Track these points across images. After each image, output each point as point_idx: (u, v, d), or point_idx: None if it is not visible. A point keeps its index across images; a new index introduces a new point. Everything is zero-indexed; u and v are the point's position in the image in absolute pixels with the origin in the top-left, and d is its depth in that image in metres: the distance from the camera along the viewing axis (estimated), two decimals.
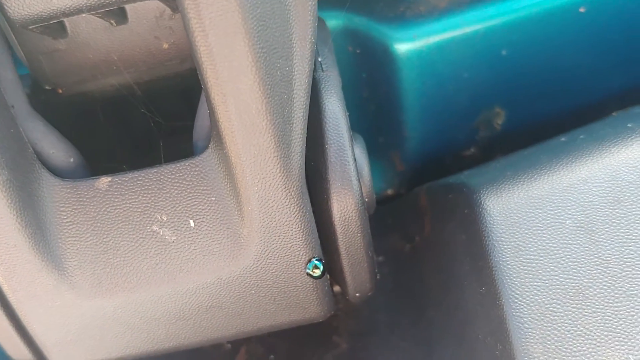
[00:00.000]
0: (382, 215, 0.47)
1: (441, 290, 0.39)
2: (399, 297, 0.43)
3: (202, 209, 0.32)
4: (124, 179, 0.32)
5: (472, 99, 0.43)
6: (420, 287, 0.42)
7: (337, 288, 0.39)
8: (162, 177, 0.32)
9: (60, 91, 0.36)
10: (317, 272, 0.34)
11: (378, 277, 0.43)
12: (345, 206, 0.33)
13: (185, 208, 0.32)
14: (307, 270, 0.34)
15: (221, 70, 0.28)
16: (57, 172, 0.33)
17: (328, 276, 0.36)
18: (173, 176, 0.32)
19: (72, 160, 0.33)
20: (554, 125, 0.44)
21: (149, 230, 0.32)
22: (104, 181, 0.32)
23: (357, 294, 0.37)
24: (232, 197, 0.32)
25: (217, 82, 0.28)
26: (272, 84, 0.29)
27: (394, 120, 0.44)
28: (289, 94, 0.30)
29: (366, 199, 0.36)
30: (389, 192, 0.48)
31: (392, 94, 0.42)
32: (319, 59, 0.35)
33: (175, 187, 0.32)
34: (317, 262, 0.34)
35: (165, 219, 0.32)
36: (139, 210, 0.32)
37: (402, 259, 0.44)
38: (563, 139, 0.38)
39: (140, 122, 0.37)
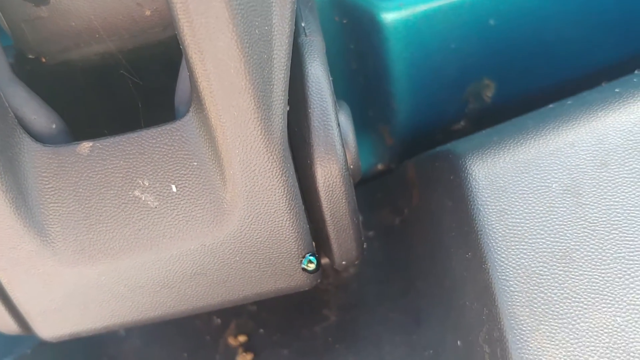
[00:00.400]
0: (372, 190, 0.47)
1: (429, 259, 0.39)
2: (388, 269, 0.43)
3: (184, 174, 0.32)
4: (105, 143, 0.32)
5: (461, 70, 0.42)
6: (409, 258, 0.41)
7: (326, 260, 0.39)
8: (143, 141, 0.32)
9: (43, 60, 0.35)
10: (312, 267, 0.34)
11: (365, 246, 0.43)
12: (329, 171, 0.33)
13: (167, 173, 0.32)
14: (302, 266, 0.34)
15: (198, 28, 0.27)
16: (39, 138, 0.32)
17: (314, 243, 0.35)
18: (154, 140, 0.32)
19: (54, 126, 0.33)
20: (545, 98, 0.43)
21: (131, 195, 0.32)
22: (86, 146, 0.32)
23: (343, 262, 0.36)
24: (214, 162, 0.32)
25: (194, 39, 0.28)
26: (250, 43, 0.28)
27: (382, 93, 0.43)
28: (268, 54, 0.29)
29: (351, 166, 0.35)
30: (379, 167, 0.48)
31: (380, 64, 0.42)
32: (302, 24, 0.34)
33: (156, 152, 0.32)
34: (311, 258, 0.34)
35: (147, 184, 0.32)
36: (121, 175, 0.32)
37: (392, 232, 0.44)
38: (551, 106, 0.38)
39: (124, 91, 0.37)
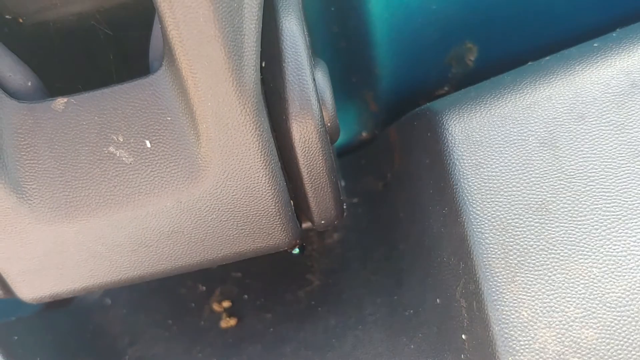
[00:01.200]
0: (356, 158, 0.47)
1: (410, 221, 0.38)
2: (372, 234, 0.43)
3: (158, 129, 0.32)
4: (79, 99, 0.32)
5: (442, 32, 0.42)
6: (392, 222, 0.41)
7: (308, 224, 0.39)
8: (116, 96, 0.32)
9: (21, 20, 0.35)
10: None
11: (348, 210, 0.43)
12: (305, 127, 0.33)
13: (141, 128, 0.32)
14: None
15: None
16: (15, 95, 0.32)
17: (292, 202, 0.35)
18: (127, 95, 0.32)
19: (29, 83, 0.33)
20: (530, 61, 0.43)
21: (106, 151, 0.32)
22: (60, 102, 0.32)
23: (322, 221, 0.36)
24: (187, 116, 0.31)
25: None
26: None
27: (365, 57, 0.43)
28: (238, 2, 0.29)
29: (329, 124, 0.35)
30: (364, 135, 0.48)
31: (361, 27, 0.41)
32: None
33: (129, 107, 0.32)
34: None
35: (121, 139, 0.32)
36: (95, 131, 0.32)
37: (375, 197, 0.44)
38: (529, 63, 0.37)
39: (100, 50, 0.37)
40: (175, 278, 0.46)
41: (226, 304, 0.43)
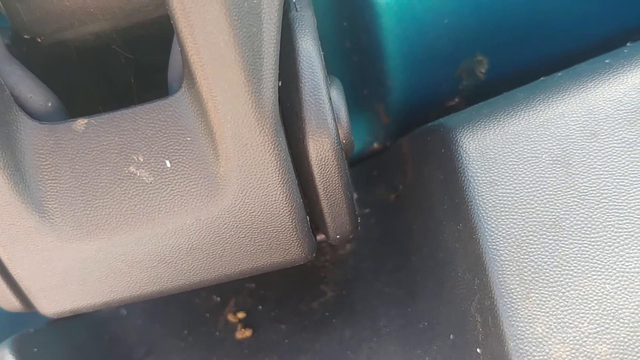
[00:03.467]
0: (368, 169, 0.48)
1: (423, 233, 0.39)
2: (384, 245, 0.43)
3: (178, 149, 0.32)
4: (100, 120, 0.32)
5: (454, 46, 0.42)
6: (404, 233, 0.42)
7: (322, 237, 0.39)
8: (137, 117, 0.32)
9: (39, 40, 0.36)
10: None
11: (361, 221, 0.43)
12: (321, 145, 0.34)
13: (161, 148, 0.32)
14: None
15: (187, 1, 0.28)
16: (35, 116, 0.33)
17: (308, 218, 0.36)
18: (147, 116, 0.32)
19: (49, 104, 0.33)
20: (538, 74, 0.43)
21: (127, 171, 0.33)
22: (81, 123, 0.33)
23: (337, 236, 0.37)
24: (206, 136, 0.32)
25: (184, 13, 0.28)
26: (239, 15, 0.29)
27: (376, 70, 0.44)
28: (257, 27, 0.30)
29: (344, 141, 0.36)
30: (376, 145, 0.48)
31: (373, 41, 0.42)
32: (293, 0, 0.35)
33: (150, 128, 0.32)
34: None
35: (141, 159, 0.33)
36: (116, 151, 0.33)
37: (387, 208, 0.44)
38: (542, 79, 0.38)
39: (118, 69, 0.37)
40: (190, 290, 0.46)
41: (241, 314, 0.44)
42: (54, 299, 0.36)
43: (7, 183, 0.32)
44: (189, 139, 0.32)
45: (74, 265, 0.34)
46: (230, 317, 0.44)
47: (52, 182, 0.33)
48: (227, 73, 0.30)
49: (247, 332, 0.43)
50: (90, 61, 0.37)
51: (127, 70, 0.37)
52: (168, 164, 0.33)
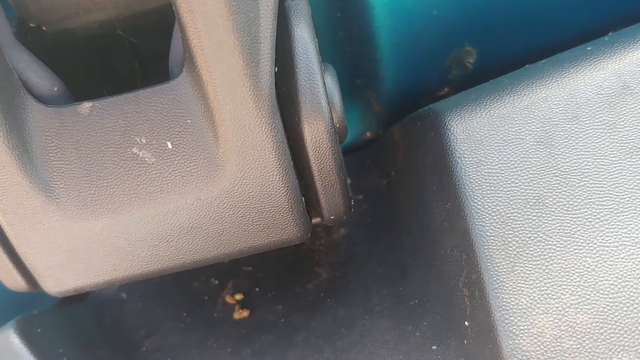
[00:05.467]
0: (361, 157, 0.49)
1: (414, 215, 0.41)
2: (377, 229, 0.45)
3: (179, 131, 0.34)
4: (104, 103, 0.34)
5: (443, 37, 0.44)
6: (396, 216, 0.43)
7: (317, 220, 0.41)
8: (140, 101, 0.34)
9: (45, 28, 0.37)
10: None
11: (354, 206, 0.45)
12: (316, 128, 0.35)
13: (163, 131, 0.34)
14: None
15: None
16: (42, 100, 0.34)
17: (303, 198, 0.37)
18: (150, 100, 0.34)
19: (55, 89, 0.35)
20: (525, 63, 0.45)
21: (130, 152, 0.34)
22: (86, 106, 0.34)
23: (332, 217, 0.38)
24: (206, 119, 0.34)
25: None
26: (237, 1, 0.30)
27: (369, 60, 0.45)
28: (255, 13, 0.31)
29: (337, 125, 0.37)
30: (368, 135, 0.50)
31: (365, 32, 0.44)
32: None
33: (152, 111, 0.34)
34: None
35: (144, 141, 0.34)
36: (119, 133, 0.34)
37: (380, 194, 0.46)
38: (526, 66, 0.40)
39: (122, 56, 0.39)
40: (189, 272, 0.48)
41: (238, 296, 0.45)
42: (59, 278, 0.37)
43: (15, 164, 0.33)
44: (189, 121, 0.34)
45: (78, 244, 0.36)
46: (228, 299, 0.45)
47: (58, 163, 0.34)
48: (226, 57, 0.31)
49: (245, 313, 0.44)
50: (94, 48, 0.39)
51: (130, 57, 0.38)
52: (169, 146, 0.34)
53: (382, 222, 0.45)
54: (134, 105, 0.34)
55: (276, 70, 0.35)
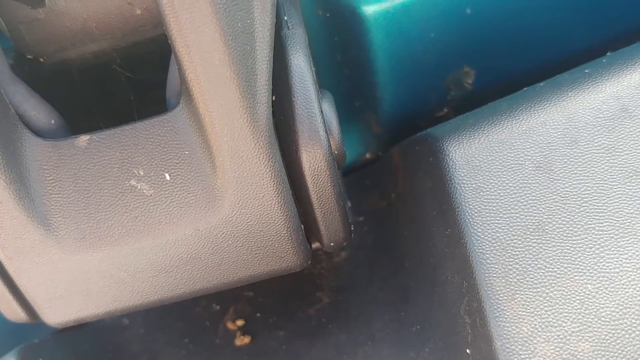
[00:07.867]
0: (361, 178, 0.49)
1: (415, 239, 0.40)
2: (377, 252, 0.45)
3: (177, 163, 0.34)
4: (101, 136, 0.34)
5: (441, 59, 0.44)
6: (397, 240, 0.43)
7: (317, 245, 0.41)
8: (137, 133, 0.34)
9: (42, 60, 0.37)
10: None
11: (354, 229, 0.45)
12: (314, 156, 0.35)
13: (161, 162, 0.34)
14: None
15: (183, 22, 0.29)
16: (39, 133, 0.34)
17: (302, 226, 0.37)
18: (147, 132, 0.34)
19: (53, 122, 0.35)
20: (524, 84, 0.45)
21: (128, 185, 0.34)
22: (83, 139, 0.34)
23: (332, 244, 0.38)
24: (204, 150, 0.34)
25: (181, 34, 0.30)
26: (233, 35, 0.30)
27: (367, 82, 0.45)
28: (251, 45, 0.31)
29: (336, 152, 0.37)
30: (368, 155, 0.50)
31: (363, 56, 0.44)
32: (285, 18, 0.36)
33: (149, 143, 0.34)
34: None
35: (142, 173, 0.34)
36: (117, 165, 0.34)
37: (380, 216, 0.46)
38: (525, 89, 0.39)
39: (119, 87, 0.39)
40: (190, 298, 0.47)
41: (240, 322, 0.45)
42: (59, 309, 0.37)
43: (13, 198, 0.33)
44: (187, 152, 0.34)
45: (78, 276, 0.36)
46: (230, 325, 0.45)
47: (56, 197, 0.34)
48: (222, 90, 0.31)
49: (246, 339, 0.44)
50: (91, 79, 0.39)
51: (127, 88, 0.38)
52: (167, 177, 0.34)
53: (383, 245, 0.45)
54: (131, 137, 0.34)
55: (274, 99, 0.35)
